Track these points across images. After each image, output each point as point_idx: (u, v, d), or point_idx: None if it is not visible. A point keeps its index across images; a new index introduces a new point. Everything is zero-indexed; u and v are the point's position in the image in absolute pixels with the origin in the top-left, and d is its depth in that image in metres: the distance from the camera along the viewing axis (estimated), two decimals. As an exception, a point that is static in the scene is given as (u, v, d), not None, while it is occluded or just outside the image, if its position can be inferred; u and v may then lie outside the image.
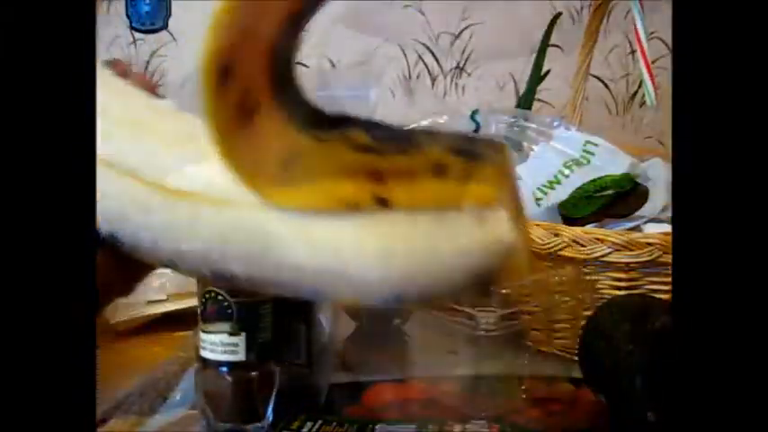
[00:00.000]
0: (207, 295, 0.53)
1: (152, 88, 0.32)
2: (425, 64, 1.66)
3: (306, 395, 0.59)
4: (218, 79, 0.24)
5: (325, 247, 0.26)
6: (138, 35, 1.44)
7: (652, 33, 1.58)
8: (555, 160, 0.73)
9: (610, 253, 0.63)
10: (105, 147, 0.28)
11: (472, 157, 0.26)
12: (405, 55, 1.62)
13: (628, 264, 0.63)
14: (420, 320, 0.71)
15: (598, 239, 0.63)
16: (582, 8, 1.72)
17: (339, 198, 0.26)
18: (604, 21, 0.87)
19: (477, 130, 0.76)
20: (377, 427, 0.54)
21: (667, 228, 0.68)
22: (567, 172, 0.72)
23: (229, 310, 0.52)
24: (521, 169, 0.74)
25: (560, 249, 0.64)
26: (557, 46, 1.47)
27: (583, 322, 0.59)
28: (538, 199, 0.72)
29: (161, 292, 0.83)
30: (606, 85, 1.75)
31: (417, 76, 1.65)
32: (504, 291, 0.56)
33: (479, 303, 0.56)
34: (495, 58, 1.71)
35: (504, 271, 0.26)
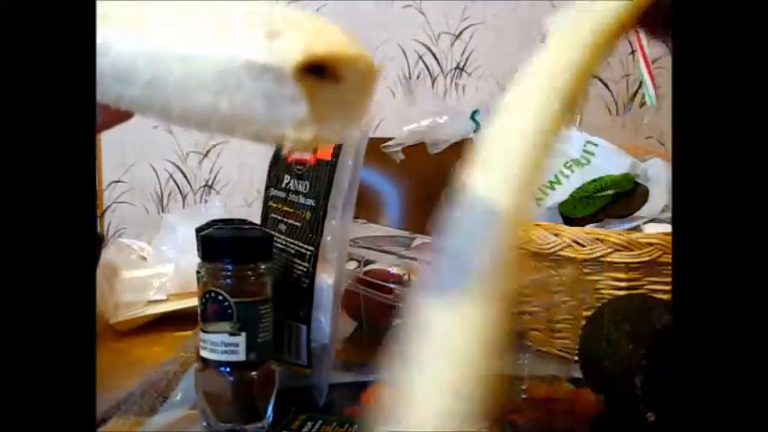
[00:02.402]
0: (207, 295, 0.53)
1: None
2: (425, 64, 1.66)
3: (306, 395, 0.59)
4: None
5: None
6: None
7: (652, 33, 1.57)
8: (555, 160, 0.73)
9: (610, 253, 0.63)
10: None
11: None
12: (405, 55, 1.62)
13: (628, 264, 0.63)
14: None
15: (598, 239, 0.63)
16: (582, 8, 1.72)
17: None
18: (604, 21, 0.87)
19: (477, 131, 0.76)
20: (377, 427, 0.54)
21: (667, 228, 0.68)
22: (567, 172, 0.72)
23: (229, 310, 0.52)
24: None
25: (560, 249, 0.64)
26: (557, 46, 1.47)
27: (583, 322, 0.59)
28: (538, 199, 0.72)
29: (161, 292, 0.83)
30: (606, 85, 1.75)
31: (417, 76, 1.65)
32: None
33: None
34: (495, 58, 1.71)
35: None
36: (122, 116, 0.34)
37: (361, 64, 0.26)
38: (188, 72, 0.27)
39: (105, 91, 0.30)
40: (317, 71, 0.25)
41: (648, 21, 0.29)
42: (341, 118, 0.26)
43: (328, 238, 0.58)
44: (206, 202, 1.78)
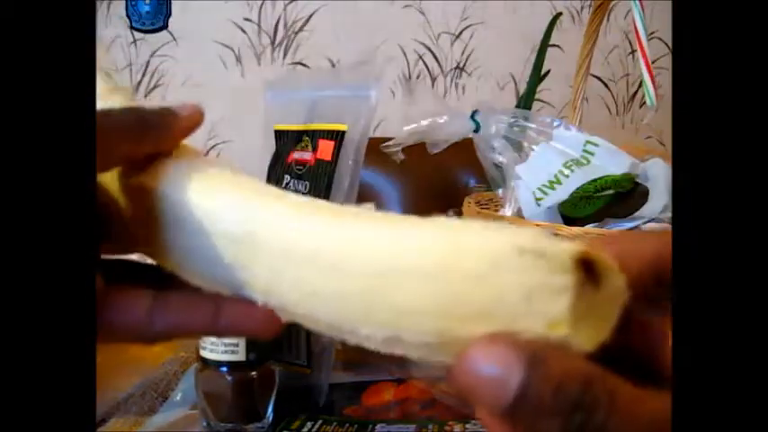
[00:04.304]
0: (207, 295, 0.53)
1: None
2: (425, 64, 1.66)
3: (306, 395, 0.59)
4: None
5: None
6: (138, 35, 1.45)
7: (652, 33, 1.58)
8: (555, 160, 0.73)
9: (610, 253, 0.62)
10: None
11: None
12: (405, 55, 1.62)
13: (628, 264, 0.63)
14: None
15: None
16: (582, 8, 1.72)
17: None
18: (604, 21, 0.87)
19: (477, 131, 0.76)
20: (377, 427, 0.54)
21: (667, 228, 0.68)
22: (567, 172, 0.72)
23: (229, 310, 0.52)
24: (521, 169, 0.74)
25: (560, 249, 0.64)
26: (557, 46, 1.47)
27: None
28: (538, 199, 0.72)
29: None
30: (606, 85, 1.75)
31: (417, 76, 1.65)
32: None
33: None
34: (495, 58, 1.71)
35: None
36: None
37: (618, 281, 0.23)
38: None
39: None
40: (586, 270, 0.23)
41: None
42: (592, 325, 0.23)
43: (328, 238, 0.58)
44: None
